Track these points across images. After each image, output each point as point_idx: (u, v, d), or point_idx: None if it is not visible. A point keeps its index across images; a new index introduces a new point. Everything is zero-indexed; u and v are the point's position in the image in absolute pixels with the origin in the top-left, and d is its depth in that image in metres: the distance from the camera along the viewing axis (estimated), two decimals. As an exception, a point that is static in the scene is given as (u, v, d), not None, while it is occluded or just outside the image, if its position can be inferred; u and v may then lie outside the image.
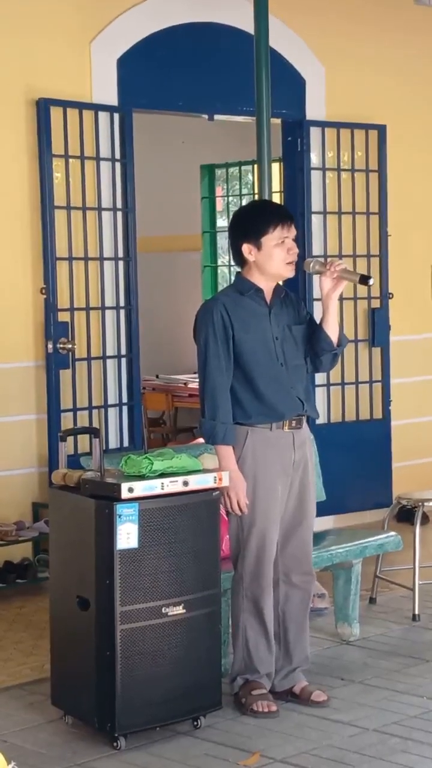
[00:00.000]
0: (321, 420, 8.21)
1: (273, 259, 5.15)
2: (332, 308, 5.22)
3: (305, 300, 8.17)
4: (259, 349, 5.15)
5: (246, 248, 5.17)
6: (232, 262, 10.04)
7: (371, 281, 5.29)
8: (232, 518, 5.21)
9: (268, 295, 5.24)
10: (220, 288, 11.91)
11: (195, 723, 5.01)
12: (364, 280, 5.26)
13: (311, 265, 5.31)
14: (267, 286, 5.23)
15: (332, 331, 5.22)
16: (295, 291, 7.23)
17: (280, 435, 5.19)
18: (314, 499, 5.39)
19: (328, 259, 5.27)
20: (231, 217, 5.47)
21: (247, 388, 5.15)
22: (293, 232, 5.20)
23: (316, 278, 5.36)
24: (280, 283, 5.34)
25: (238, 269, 5.34)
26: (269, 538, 5.18)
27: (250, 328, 5.16)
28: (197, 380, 5.40)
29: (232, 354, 5.13)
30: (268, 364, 5.16)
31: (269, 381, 5.15)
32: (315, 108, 8.68)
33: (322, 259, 5.52)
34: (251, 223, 5.20)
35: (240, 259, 5.24)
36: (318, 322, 5.28)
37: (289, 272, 5.22)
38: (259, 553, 5.17)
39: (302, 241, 8.13)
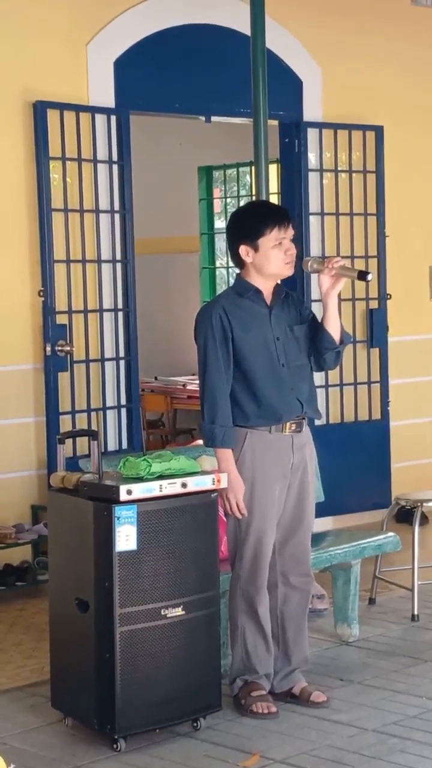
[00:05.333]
0: (320, 421, 8.20)
1: (270, 260, 5.14)
2: (332, 306, 5.20)
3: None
4: (259, 351, 5.14)
5: (243, 250, 5.17)
6: (231, 264, 10.05)
7: (370, 277, 5.28)
8: (230, 519, 5.21)
9: (268, 295, 5.23)
10: (218, 290, 11.92)
11: (195, 724, 5.01)
12: (363, 275, 5.25)
13: (309, 263, 5.30)
14: (266, 286, 5.22)
15: (333, 329, 5.20)
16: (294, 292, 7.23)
17: (279, 438, 5.18)
18: (313, 501, 5.38)
19: (326, 257, 5.25)
20: (228, 218, 5.46)
21: (246, 390, 5.14)
22: (291, 232, 5.18)
23: (315, 279, 5.34)
24: (279, 283, 5.33)
25: (237, 271, 5.34)
26: (266, 540, 5.17)
27: (251, 330, 5.14)
28: (196, 382, 5.40)
29: (231, 356, 5.12)
30: (268, 365, 5.15)
31: (269, 383, 5.14)
32: (312, 109, 8.68)
33: (319, 257, 5.50)
34: (248, 225, 5.18)
35: (238, 261, 5.24)
36: (319, 320, 5.27)
37: (289, 271, 5.21)
38: (256, 554, 5.17)
39: (300, 242, 8.11)
